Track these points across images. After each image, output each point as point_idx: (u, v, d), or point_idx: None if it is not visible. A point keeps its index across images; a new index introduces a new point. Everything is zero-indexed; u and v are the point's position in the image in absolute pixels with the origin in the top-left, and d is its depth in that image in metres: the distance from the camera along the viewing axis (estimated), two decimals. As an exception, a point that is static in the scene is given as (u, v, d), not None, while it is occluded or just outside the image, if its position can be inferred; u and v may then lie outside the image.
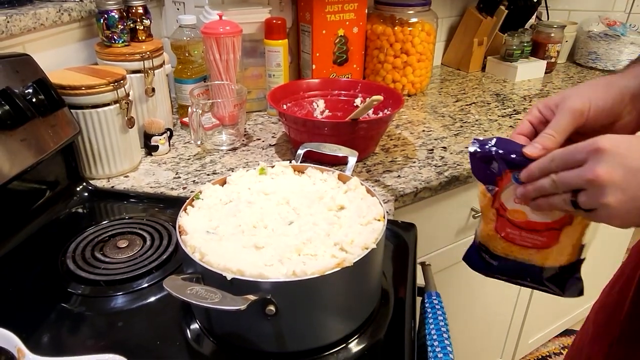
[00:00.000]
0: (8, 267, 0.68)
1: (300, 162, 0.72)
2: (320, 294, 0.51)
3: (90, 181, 0.87)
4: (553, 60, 1.59)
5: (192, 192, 0.86)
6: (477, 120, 1.20)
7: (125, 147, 0.89)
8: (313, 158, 0.86)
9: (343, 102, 1.08)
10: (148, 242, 0.71)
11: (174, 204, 0.83)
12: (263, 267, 0.49)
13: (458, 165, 0.98)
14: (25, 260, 0.70)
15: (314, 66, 1.24)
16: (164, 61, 1.02)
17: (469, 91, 1.42)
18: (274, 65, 1.15)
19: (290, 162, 0.71)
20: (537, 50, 1.58)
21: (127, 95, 0.86)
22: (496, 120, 1.21)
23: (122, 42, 0.94)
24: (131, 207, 0.84)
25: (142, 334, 0.58)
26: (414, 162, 0.98)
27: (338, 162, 0.89)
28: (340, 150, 0.76)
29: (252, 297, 0.46)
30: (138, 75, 0.95)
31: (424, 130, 1.14)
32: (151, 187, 0.87)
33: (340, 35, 1.23)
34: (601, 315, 0.71)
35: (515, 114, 1.25)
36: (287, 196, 0.63)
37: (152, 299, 0.63)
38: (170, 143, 1.01)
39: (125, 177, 0.91)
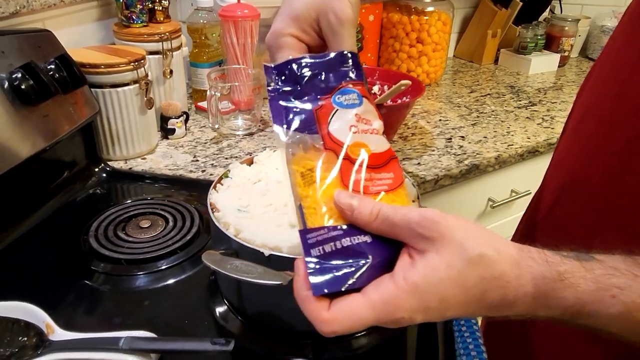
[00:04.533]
0: (28, 245, 0.67)
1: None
2: (357, 273, 0.50)
3: (108, 162, 0.86)
4: (566, 54, 1.58)
5: (211, 175, 0.85)
6: (493, 111, 1.19)
7: (143, 128, 0.88)
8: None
9: (361, 89, 1.07)
10: (171, 223, 0.70)
11: (193, 187, 0.81)
12: (299, 244, 0.48)
13: (477, 154, 0.97)
14: (45, 239, 0.68)
15: (329, 53, 1.23)
16: (181, 43, 1.01)
17: (483, 83, 1.41)
18: (291, 51, 1.13)
19: (317, 144, 0.70)
20: (551, 43, 1.57)
21: (147, 75, 0.85)
22: (512, 112, 1.20)
23: (141, 23, 0.93)
24: (149, 188, 0.82)
25: (169, 313, 0.57)
26: (433, 151, 0.97)
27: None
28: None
29: (291, 273, 0.45)
30: (156, 56, 0.93)
31: (440, 120, 1.13)
32: (169, 170, 0.86)
33: (357, 23, 1.22)
34: None
35: (531, 105, 1.25)
36: (316, 176, 0.61)
37: (177, 279, 0.62)
38: (187, 127, 1.00)
39: (143, 159, 0.89)
